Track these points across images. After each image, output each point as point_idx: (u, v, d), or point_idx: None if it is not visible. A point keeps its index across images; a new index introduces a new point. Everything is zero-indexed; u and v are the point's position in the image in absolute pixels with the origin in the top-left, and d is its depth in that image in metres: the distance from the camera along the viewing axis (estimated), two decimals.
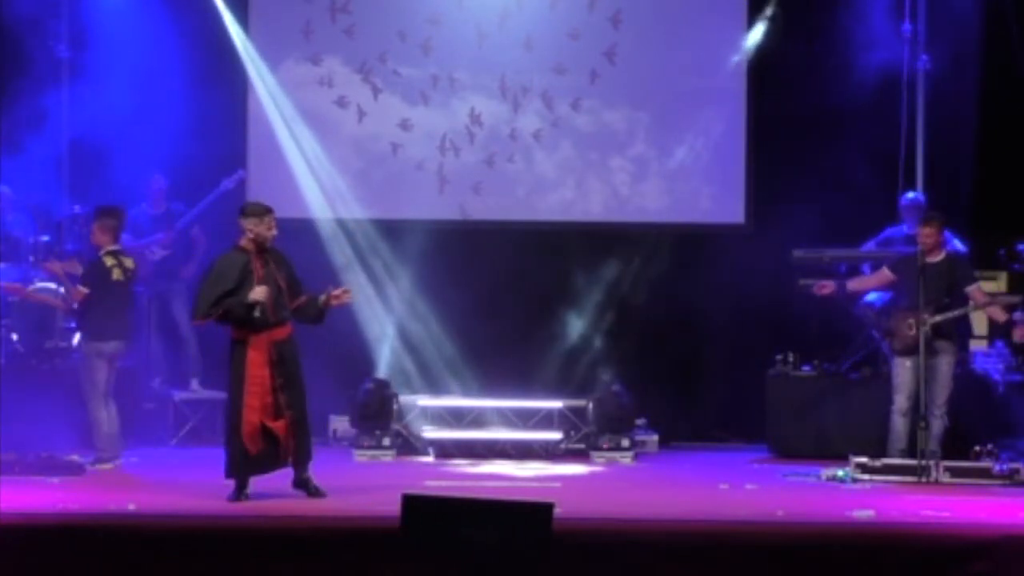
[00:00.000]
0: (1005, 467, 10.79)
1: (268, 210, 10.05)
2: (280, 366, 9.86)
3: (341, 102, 13.61)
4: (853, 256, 12.44)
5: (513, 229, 13.54)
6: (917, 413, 11.08)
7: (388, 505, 8.19)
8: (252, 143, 13.63)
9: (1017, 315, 11.64)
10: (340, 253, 13.23)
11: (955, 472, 10.84)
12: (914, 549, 8.62)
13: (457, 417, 12.61)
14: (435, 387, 13.03)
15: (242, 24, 13.48)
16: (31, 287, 11.95)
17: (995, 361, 12.25)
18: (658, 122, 13.53)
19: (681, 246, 13.40)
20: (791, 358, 12.53)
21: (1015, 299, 11.66)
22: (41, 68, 12.94)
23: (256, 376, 9.79)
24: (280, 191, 13.02)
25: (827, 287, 11.70)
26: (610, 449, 12.12)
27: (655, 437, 12.68)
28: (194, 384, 13.01)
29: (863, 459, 10.98)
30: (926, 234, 11.25)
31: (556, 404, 12.54)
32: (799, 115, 12.96)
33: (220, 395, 12.88)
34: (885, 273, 11.60)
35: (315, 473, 10.04)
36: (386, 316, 13.18)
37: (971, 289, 11.31)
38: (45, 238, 12.50)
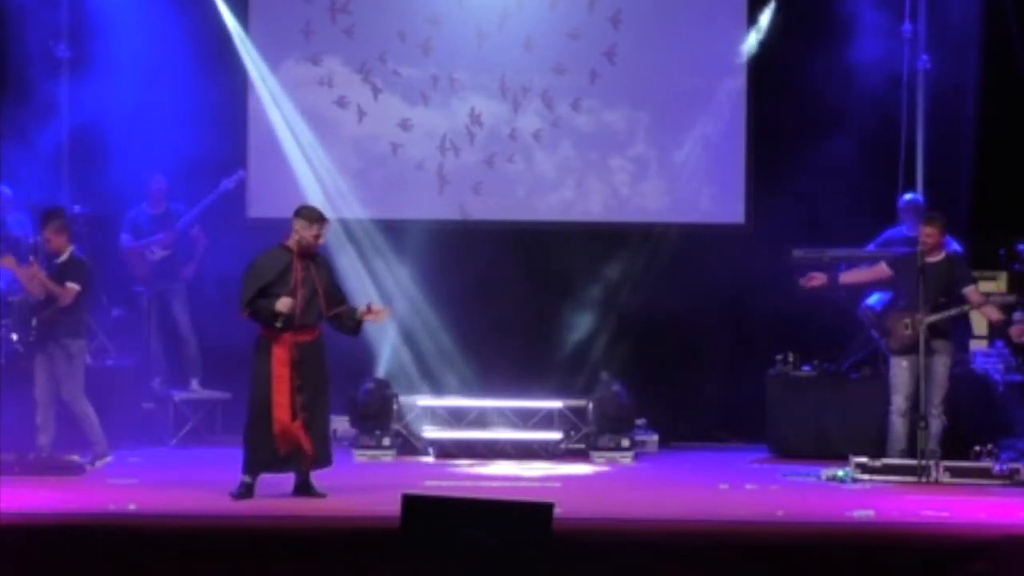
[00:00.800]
0: (1005, 467, 10.79)
1: (321, 218, 10.07)
2: (300, 367, 9.88)
3: (341, 102, 13.61)
4: (853, 256, 12.42)
5: (513, 229, 13.54)
6: (916, 413, 11.08)
7: (388, 505, 8.19)
8: (252, 143, 13.63)
9: (1017, 315, 11.65)
10: (342, 253, 13.24)
11: (955, 472, 10.84)
12: (914, 549, 8.63)
13: (457, 417, 12.61)
14: (435, 387, 13.03)
15: (242, 24, 13.48)
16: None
17: (995, 361, 12.25)
18: (658, 122, 13.53)
19: (681, 246, 13.39)
20: (791, 358, 12.53)
21: (1011, 298, 11.67)
22: (41, 68, 12.93)
23: (278, 374, 9.81)
24: (280, 191, 13.04)
25: (816, 279, 11.66)
26: (610, 449, 12.13)
27: (655, 437, 12.68)
28: (194, 384, 13.01)
29: (863, 459, 10.98)
30: (928, 234, 11.24)
31: (556, 404, 12.53)
32: (799, 115, 12.96)
33: (220, 395, 12.96)
34: (882, 268, 11.58)
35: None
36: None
37: (968, 290, 11.31)
38: None
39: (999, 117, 12.92)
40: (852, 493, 10.42)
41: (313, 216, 10.07)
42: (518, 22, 13.53)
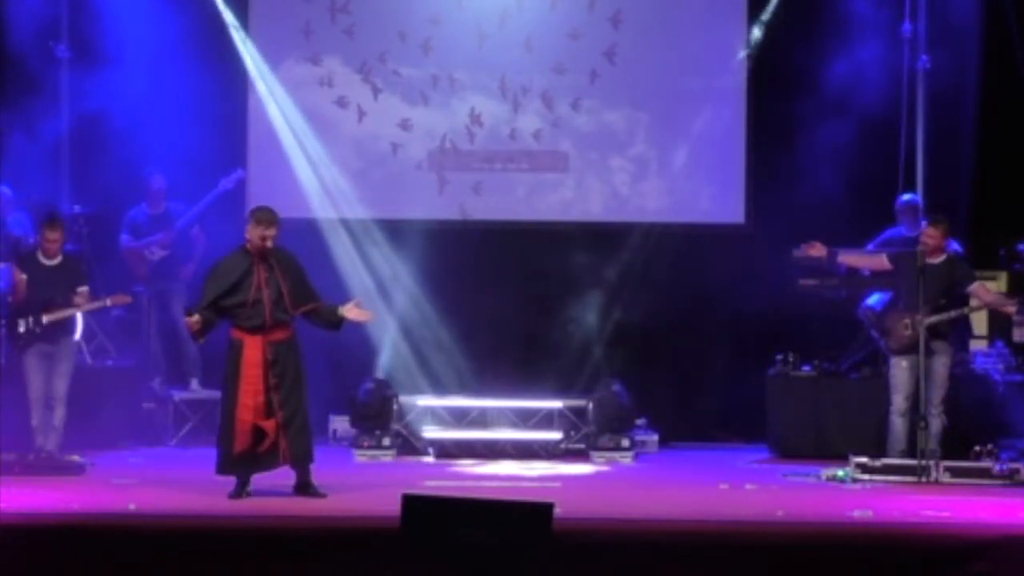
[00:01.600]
0: (1005, 467, 10.78)
1: (269, 220, 9.86)
2: (275, 366, 9.85)
3: (341, 102, 13.62)
4: None
5: (513, 229, 13.54)
6: (916, 413, 11.08)
7: (388, 505, 8.19)
8: (252, 143, 13.63)
9: (1017, 316, 11.65)
10: (342, 253, 13.24)
11: (955, 472, 10.83)
12: (914, 549, 8.62)
13: (457, 417, 12.60)
14: (435, 387, 13.03)
15: (242, 24, 13.49)
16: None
17: (995, 361, 12.25)
18: (658, 122, 13.53)
19: (681, 246, 13.39)
20: (791, 358, 12.53)
21: (1013, 299, 11.66)
22: (41, 68, 12.93)
23: (250, 375, 9.80)
24: (280, 191, 13.03)
25: (816, 248, 11.61)
26: (610, 449, 12.12)
27: (655, 437, 12.68)
28: (194, 384, 13.01)
29: (863, 459, 10.97)
30: (930, 235, 11.24)
31: (556, 404, 12.53)
32: (799, 115, 12.95)
33: (219, 395, 12.92)
34: (883, 259, 11.58)
35: (315, 473, 10.03)
36: (386, 316, 13.16)
37: (974, 287, 11.29)
38: None
39: (999, 117, 12.92)
40: (852, 493, 10.42)
41: (262, 218, 9.90)
42: (518, 22, 13.53)
